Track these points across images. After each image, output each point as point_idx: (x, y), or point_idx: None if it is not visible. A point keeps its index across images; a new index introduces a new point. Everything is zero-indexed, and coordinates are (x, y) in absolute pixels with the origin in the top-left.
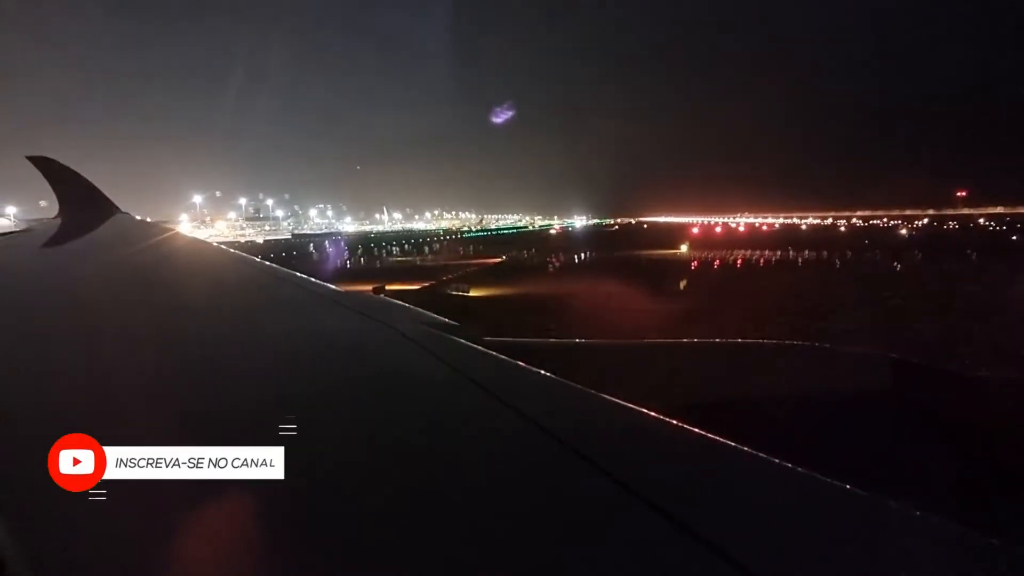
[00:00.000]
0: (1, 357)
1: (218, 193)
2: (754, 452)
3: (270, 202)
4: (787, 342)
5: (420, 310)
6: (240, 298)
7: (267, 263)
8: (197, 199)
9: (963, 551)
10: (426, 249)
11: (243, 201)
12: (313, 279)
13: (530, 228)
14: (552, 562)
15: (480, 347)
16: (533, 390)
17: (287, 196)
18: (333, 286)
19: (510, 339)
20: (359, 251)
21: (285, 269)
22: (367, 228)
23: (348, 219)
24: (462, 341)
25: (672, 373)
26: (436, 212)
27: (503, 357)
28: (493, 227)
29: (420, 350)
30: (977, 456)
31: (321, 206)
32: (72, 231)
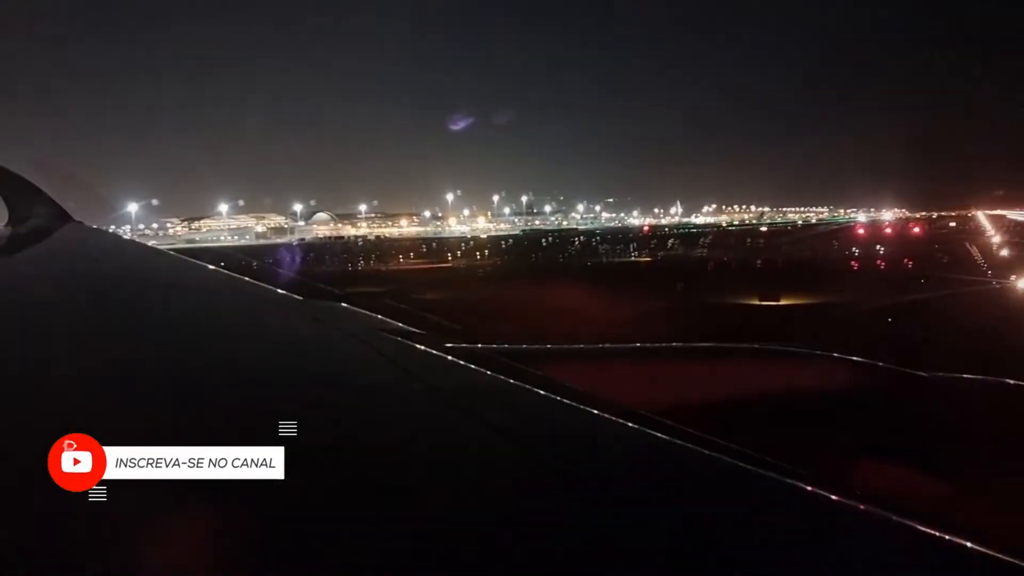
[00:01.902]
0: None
1: (240, 202)
2: (733, 455)
3: (298, 207)
4: (761, 345)
5: (382, 317)
6: (196, 305)
7: (234, 273)
8: (223, 207)
9: (939, 553)
10: (448, 253)
11: (268, 202)
12: (278, 288)
13: (567, 227)
14: (512, 562)
15: (442, 353)
16: (493, 394)
17: (312, 202)
18: (295, 295)
19: (472, 345)
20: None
21: (248, 279)
22: (397, 230)
23: (388, 222)
24: (422, 347)
25: (637, 377)
26: (469, 212)
27: (461, 362)
28: (531, 228)
29: (380, 357)
30: (951, 457)
31: (363, 207)
32: (28, 239)
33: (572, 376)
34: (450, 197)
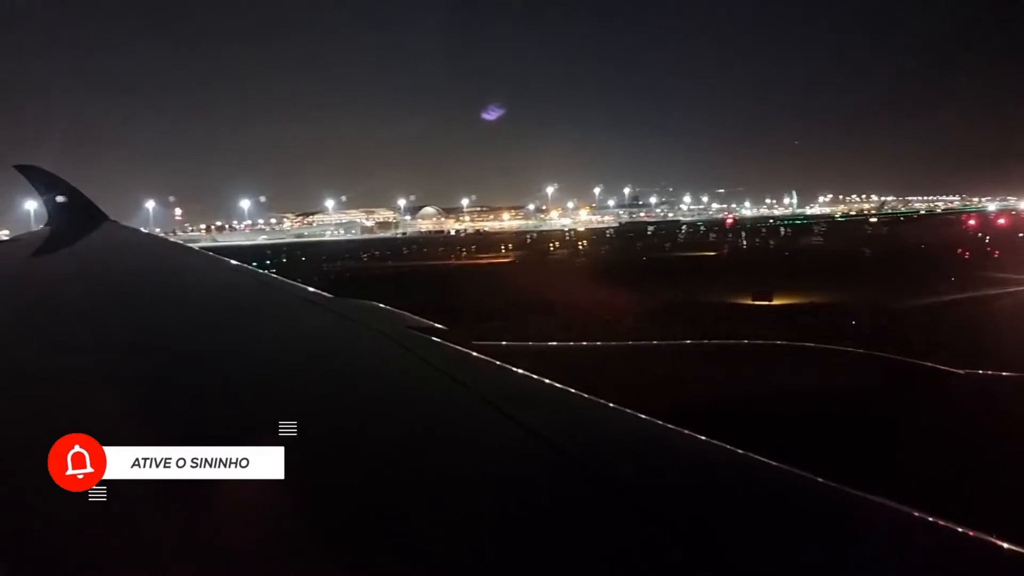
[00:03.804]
0: (2, 360)
1: (343, 198)
2: (743, 452)
3: (402, 202)
4: (774, 342)
5: (409, 314)
6: (230, 304)
7: (258, 269)
8: (330, 203)
9: (951, 547)
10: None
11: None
12: (303, 285)
13: (671, 219)
14: (542, 563)
15: (468, 351)
16: (520, 393)
17: (412, 197)
18: (323, 292)
19: (498, 343)
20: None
21: (274, 275)
22: (498, 224)
23: (491, 216)
24: (450, 345)
25: (660, 374)
26: (573, 205)
27: (491, 360)
28: (632, 221)
29: (408, 354)
30: (965, 452)
31: (465, 202)
32: (64, 239)
33: (597, 372)
34: (550, 190)
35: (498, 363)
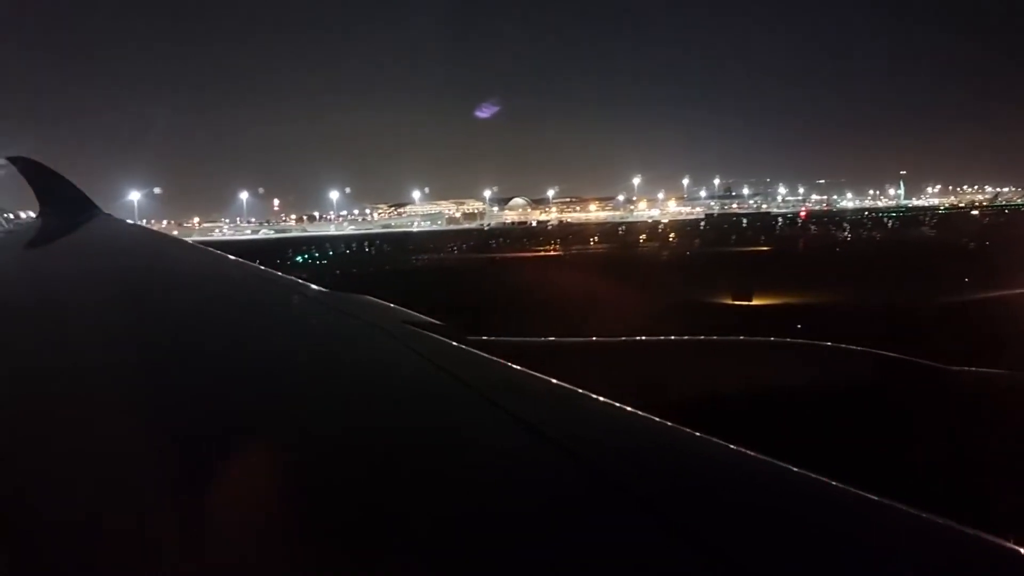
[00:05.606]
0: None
1: (426, 189)
2: (741, 449)
3: (487, 193)
4: (772, 339)
5: (404, 309)
6: (223, 298)
7: (251, 263)
8: (416, 194)
9: (945, 546)
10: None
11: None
12: (296, 279)
13: (763, 211)
14: (541, 562)
15: (463, 346)
16: (517, 388)
17: (495, 188)
18: (316, 286)
19: (493, 337)
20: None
21: (268, 269)
22: (584, 215)
23: (578, 207)
24: (444, 340)
25: (658, 370)
26: (663, 195)
27: (486, 355)
28: (721, 212)
29: (403, 348)
30: (959, 450)
31: (550, 193)
32: (55, 232)
33: (594, 367)
34: (636, 181)
35: (495, 359)
